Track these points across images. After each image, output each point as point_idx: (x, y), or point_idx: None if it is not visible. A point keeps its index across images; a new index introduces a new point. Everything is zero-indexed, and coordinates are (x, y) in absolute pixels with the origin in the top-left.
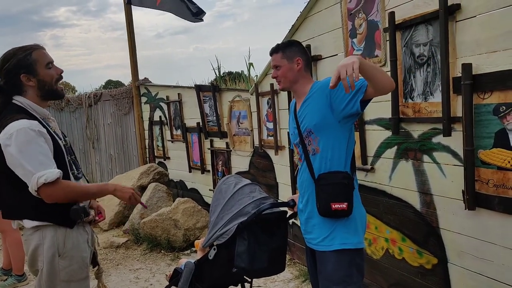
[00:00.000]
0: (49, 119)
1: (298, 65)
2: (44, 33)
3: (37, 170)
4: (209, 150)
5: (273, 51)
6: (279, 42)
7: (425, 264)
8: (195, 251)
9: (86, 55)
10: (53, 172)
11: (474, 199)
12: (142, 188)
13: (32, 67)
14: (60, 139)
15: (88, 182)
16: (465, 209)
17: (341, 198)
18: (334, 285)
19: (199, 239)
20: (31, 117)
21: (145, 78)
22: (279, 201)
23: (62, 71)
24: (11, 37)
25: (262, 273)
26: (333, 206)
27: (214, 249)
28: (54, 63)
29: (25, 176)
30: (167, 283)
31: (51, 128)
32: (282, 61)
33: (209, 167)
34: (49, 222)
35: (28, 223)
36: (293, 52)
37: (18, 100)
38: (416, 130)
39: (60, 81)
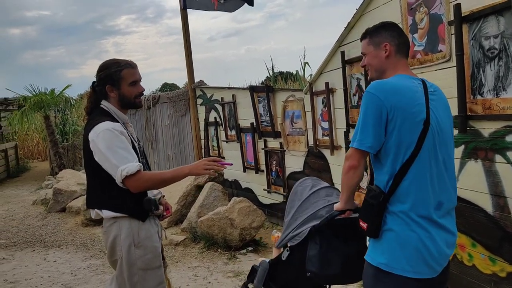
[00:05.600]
0: (128, 124)
1: (386, 51)
2: (107, 41)
3: (121, 164)
4: (263, 150)
5: (362, 37)
6: (369, 27)
7: (498, 272)
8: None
9: (144, 59)
10: (134, 165)
11: None
12: (199, 188)
13: (117, 82)
14: (136, 142)
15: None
16: None
17: (364, 217)
18: None
19: (274, 235)
20: (114, 120)
21: (200, 80)
22: None
23: (143, 90)
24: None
25: (336, 280)
26: (360, 222)
27: (287, 250)
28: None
29: (111, 169)
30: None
31: (128, 132)
32: (369, 48)
33: (263, 167)
34: (125, 213)
35: (106, 214)
36: (380, 37)
37: (105, 105)
38: (487, 128)
39: (141, 97)
